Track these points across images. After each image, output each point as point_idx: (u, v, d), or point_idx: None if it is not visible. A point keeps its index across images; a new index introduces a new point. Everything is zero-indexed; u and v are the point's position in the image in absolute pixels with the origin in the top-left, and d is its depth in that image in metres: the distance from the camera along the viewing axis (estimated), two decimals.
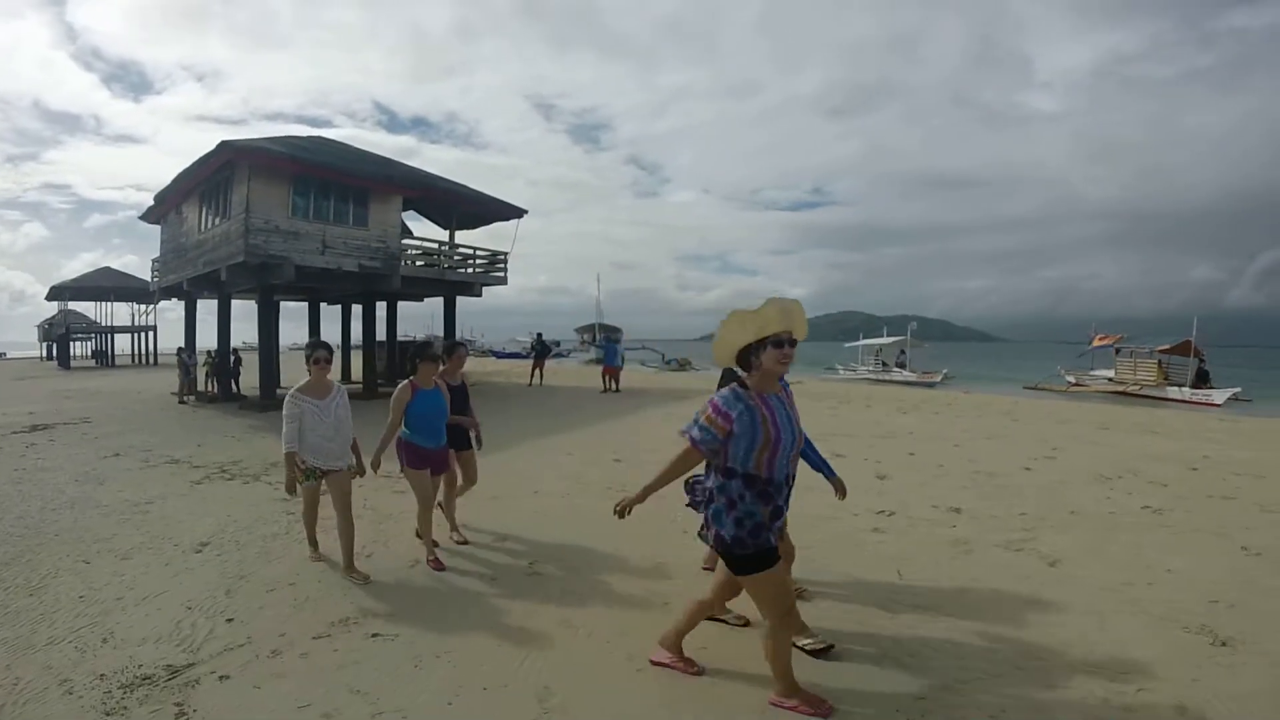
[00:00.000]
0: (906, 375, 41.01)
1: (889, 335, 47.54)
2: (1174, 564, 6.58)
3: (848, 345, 50.89)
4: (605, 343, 30.85)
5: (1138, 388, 34.58)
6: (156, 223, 26.11)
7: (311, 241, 19.29)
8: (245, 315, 24.74)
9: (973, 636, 4.95)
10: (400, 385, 6.35)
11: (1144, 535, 7.46)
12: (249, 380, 22.17)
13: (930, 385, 37.70)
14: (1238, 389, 30.76)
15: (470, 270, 25.62)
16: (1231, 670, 4.53)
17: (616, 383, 25.17)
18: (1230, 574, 6.28)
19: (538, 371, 27.59)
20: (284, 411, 6.00)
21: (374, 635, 4.80)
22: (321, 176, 19.70)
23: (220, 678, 4.28)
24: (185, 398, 21.91)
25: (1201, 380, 32.49)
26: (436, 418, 6.47)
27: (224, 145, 18.44)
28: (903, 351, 45.32)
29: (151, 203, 25.00)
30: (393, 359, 27.34)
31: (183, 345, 24.71)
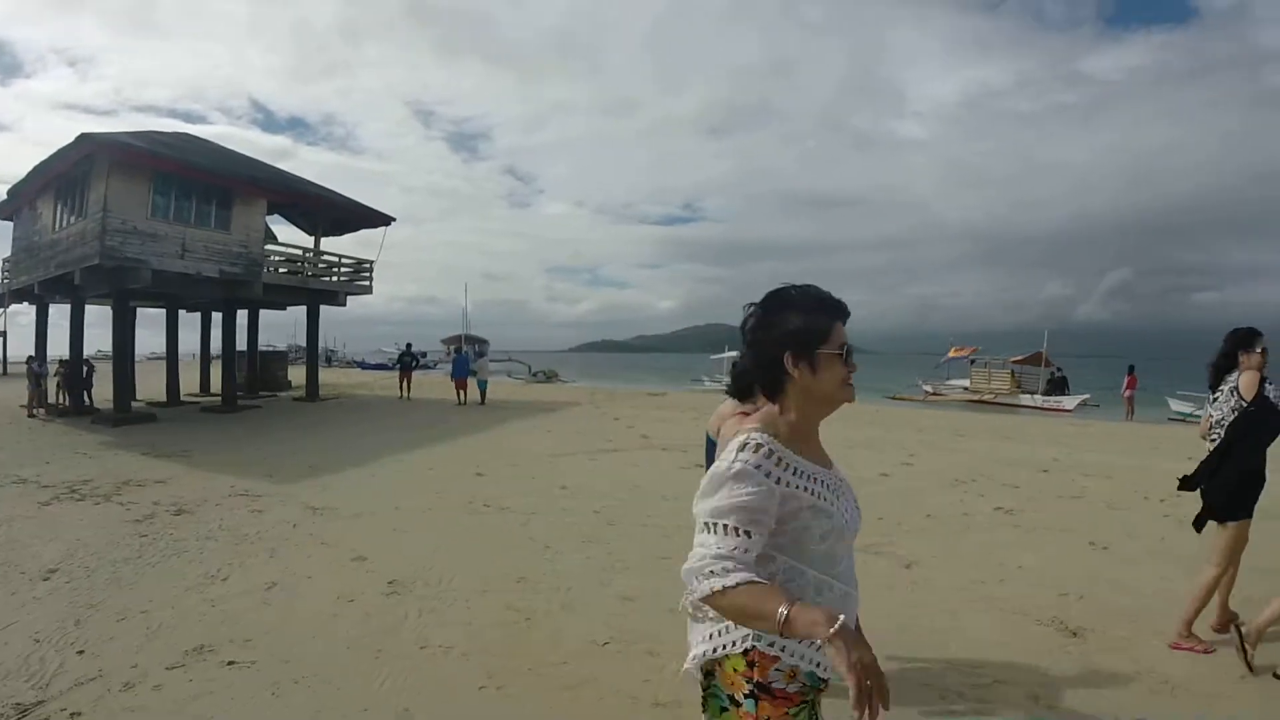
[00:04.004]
0: None
1: None
2: (1025, 561, 6.92)
3: (714, 357, 51.48)
4: (456, 354, 30.44)
5: (992, 396, 36.26)
6: (9, 219, 24.23)
7: (171, 244, 18.23)
8: (100, 321, 23.60)
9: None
10: None
11: (996, 535, 7.81)
12: (102, 392, 20.97)
13: None
14: (1087, 395, 32.46)
15: (335, 278, 24.90)
16: (1082, 659, 4.78)
17: (481, 395, 24.86)
18: (1078, 568, 6.65)
19: (405, 384, 26.81)
20: None
21: (229, 663, 4.58)
22: (184, 175, 18.66)
23: (71, 715, 4.01)
24: (35, 410, 20.35)
25: (1059, 388, 34.25)
26: None
27: (84, 138, 17.19)
28: None
29: (4, 196, 23.29)
30: (254, 369, 26.35)
31: (33, 354, 23.23)
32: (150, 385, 24.20)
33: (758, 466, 1.98)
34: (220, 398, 22.39)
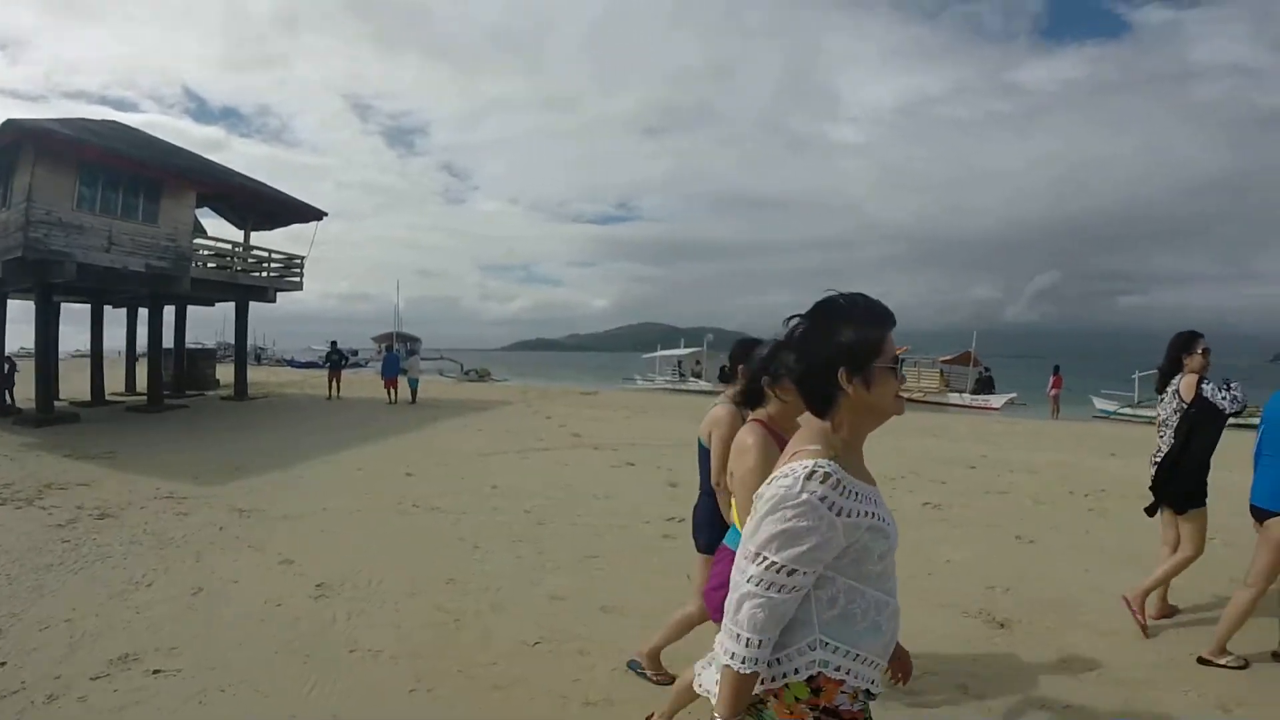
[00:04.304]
0: (703, 385, 41.97)
1: (686, 346, 48.44)
2: (953, 555, 7.08)
3: (645, 356, 51.54)
4: (386, 353, 30.11)
5: (922, 395, 36.90)
6: None
7: (97, 237, 17.54)
8: (23, 317, 22.61)
9: None
10: None
11: (925, 531, 7.96)
12: (24, 391, 20.19)
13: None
14: (1014, 394, 33.14)
15: (265, 274, 24.37)
16: (1010, 649, 4.93)
17: (413, 394, 24.60)
18: (1006, 562, 6.85)
19: (335, 383, 26.19)
20: None
21: (155, 672, 4.47)
22: (112, 165, 17.92)
23: None
24: None
25: (986, 387, 34.97)
26: None
27: (9, 124, 16.31)
28: (698, 362, 46.38)
29: None
30: (181, 368, 25.68)
31: None
32: (74, 384, 23.42)
33: (823, 499, 1.87)
34: (146, 397, 21.55)
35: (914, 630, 5.01)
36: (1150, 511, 5.57)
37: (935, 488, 10.51)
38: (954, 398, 35.23)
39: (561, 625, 5.24)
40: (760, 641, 1.87)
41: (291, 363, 64.17)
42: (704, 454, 4.20)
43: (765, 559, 1.86)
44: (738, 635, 1.88)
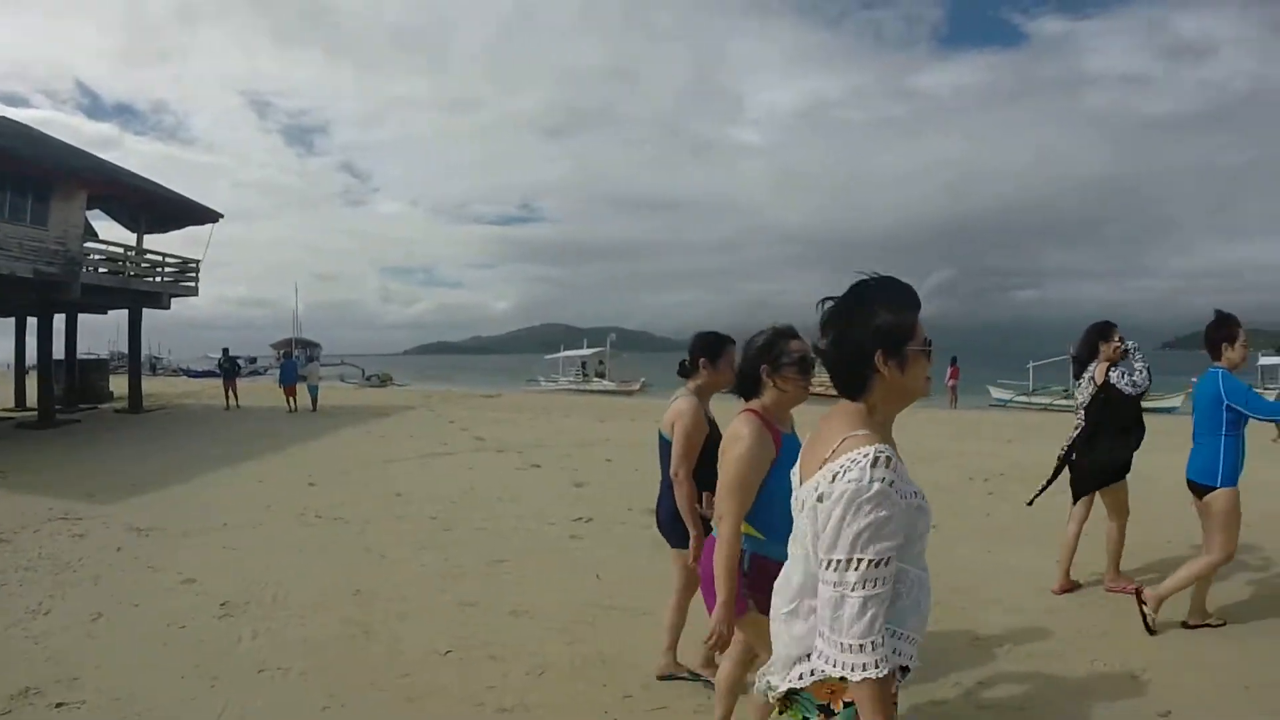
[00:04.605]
0: (606, 384, 42.08)
1: (589, 346, 48.51)
2: None
3: (548, 357, 51.43)
4: (284, 360, 29.45)
5: (824, 388, 37.61)
6: None
7: None
8: None
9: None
10: None
11: None
12: None
13: (629, 393, 38.97)
14: None
15: (159, 279, 23.42)
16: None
17: (313, 402, 24.03)
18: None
19: (231, 392, 25.09)
20: None
21: (58, 705, 4.27)
22: None
23: None
24: None
25: None
26: None
27: None
28: (601, 362, 46.50)
29: None
30: (73, 380, 24.48)
31: None
32: None
33: (891, 484, 1.83)
34: (36, 412, 20.41)
35: None
36: (1076, 493, 6.03)
37: None
38: None
39: (472, 632, 5.21)
40: (883, 640, 1.82)
41: (188, 372, 61.95)
42: (666, 447, 4.21)
43: (859, 561, 1.80)
44: (861, 646, 1.80)
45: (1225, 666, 4.62)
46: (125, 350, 28.30)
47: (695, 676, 4.50)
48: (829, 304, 2.07)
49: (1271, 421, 5.30)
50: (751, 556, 3.06)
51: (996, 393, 32.85)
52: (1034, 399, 28.94)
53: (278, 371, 29.34)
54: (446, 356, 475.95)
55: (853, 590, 1.79)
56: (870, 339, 1.95)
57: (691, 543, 4.06)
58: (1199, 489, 5.09)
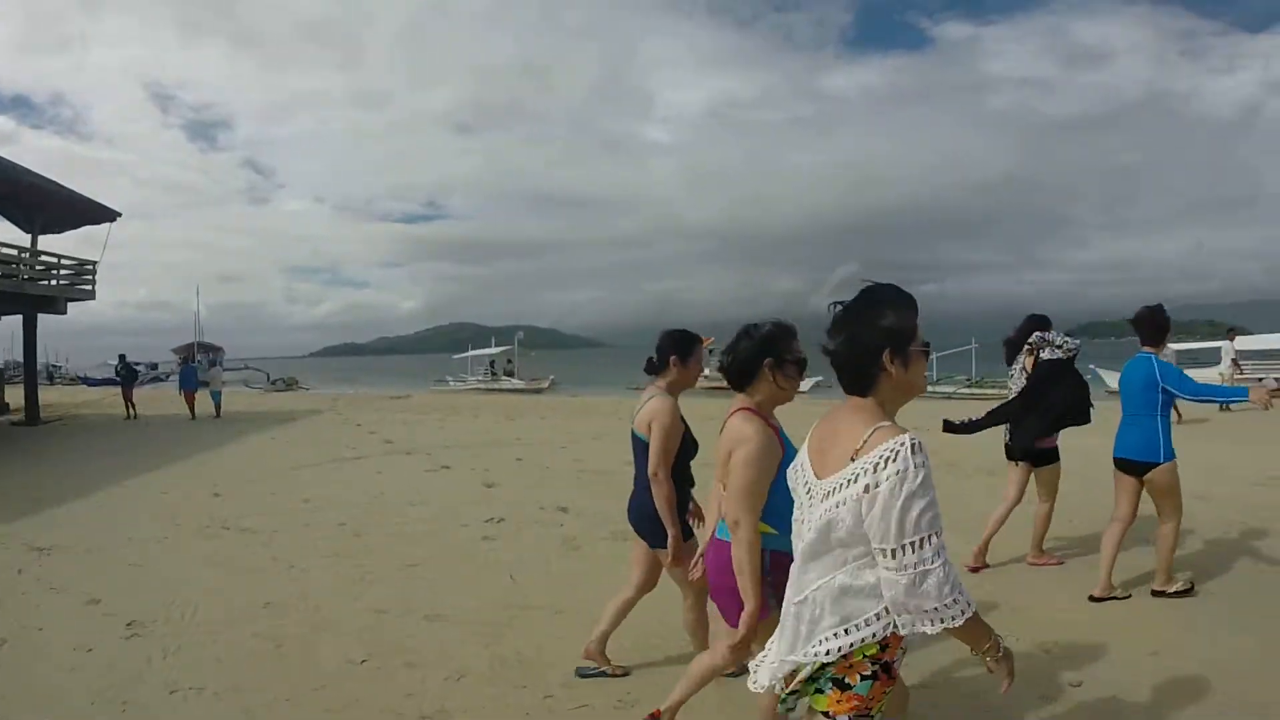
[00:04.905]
0: (515, 383, 41.93)
1: (497, 345, 48.27)
2: None
3: (456, 357, 51.01)
4: (184, 365, 28.61)
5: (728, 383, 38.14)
6: None
7: None
8: None
9: (591, 627, 4.96)
10: None
11: None
12: None
13: (538, 391, 38.94)
14: (820, 377, 34.74)
15: (54, 282, 22.41)
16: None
17: (216, 408, 23.31)
18: None
19: (128, 401, 24.16)
20: None
21: None
22: None
23: None
24: None
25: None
26: None
27: None
28: (510, 360, 46.33)
29: None
30: None
31: None
32: None
33: (926, 466, 1.99)
34: None
35: None
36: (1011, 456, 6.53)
37: None
38: None
39: (387, 639, 5.14)
40: (962, 589, 2.03)
41: (87, 380, 59.28)
42: (642, 448, 4.17)
43: (931, 537, 1.96)
44: (955, 600, 2.01)
45: (1132, 635, 4.92)
46: (20, 359, 27.01)
47: (622, 672, 4.55)
48: (838, 308, 2.24)
49: (1199, 401, 5.73)
50: (771, 554, 2.99)
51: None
52: (938, 388, 29.79)
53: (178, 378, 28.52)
54: (354, 358, 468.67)
55: (932, 563, 1.96)
56: (879, 339, 2.13)
57: (670, 543, 4.01)
58: (1139, 466, 5.49)
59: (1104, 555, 5.66)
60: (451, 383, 46.05)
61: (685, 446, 4.20)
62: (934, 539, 1.97)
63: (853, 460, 2.06)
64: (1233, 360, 20.47)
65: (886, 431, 2.05)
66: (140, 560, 7.27)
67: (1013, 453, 6.44)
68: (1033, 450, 6.31)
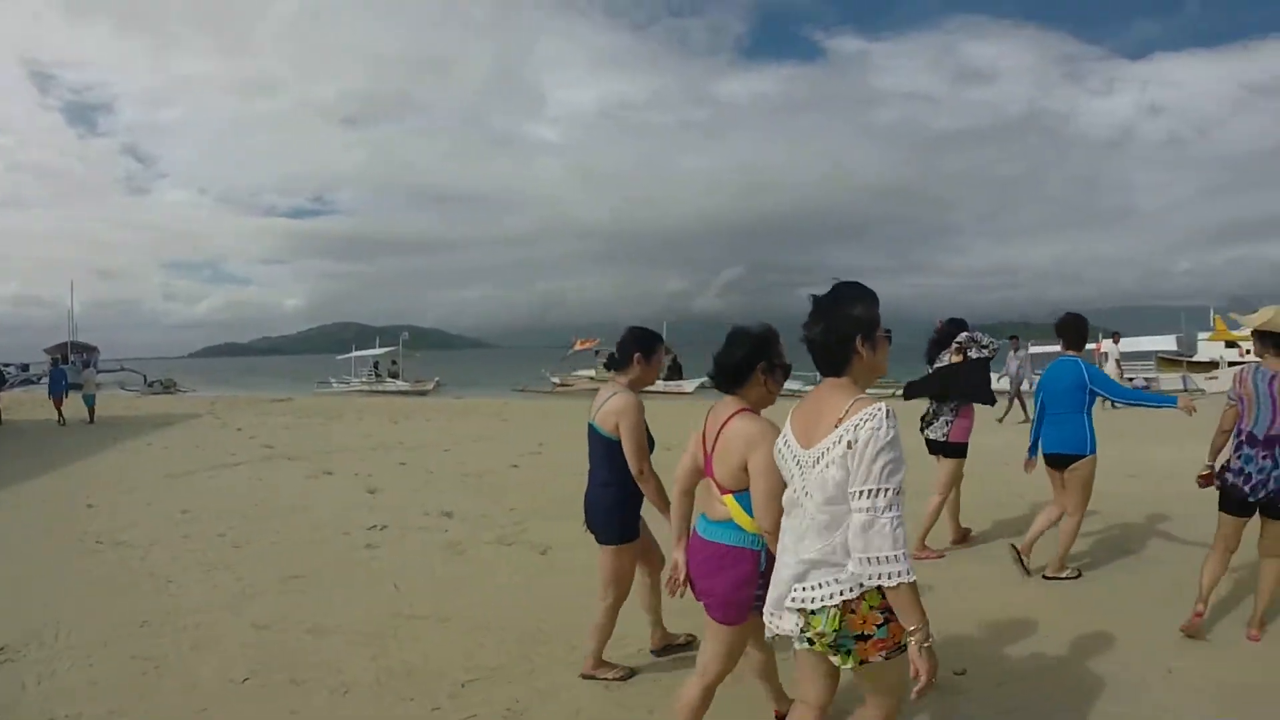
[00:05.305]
0: (400, 385, 41.26)
1: (382, 345, 47.39)
2: (654, 534, 7.41)
3: (340, 358, 49.83)
4: (53, 368, 27.19)
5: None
6: None
7: None
8: None
9: (477, 634, 5.08)
10: None
11: None
12: None
13: (423, 393, 38.43)
14: (704, 379, 35.18)
15: None
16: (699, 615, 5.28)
17: (90, 413, 22.16)
18: None
19: None
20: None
21: None
22: None
23: None
24: None
25: (676, 373, 36.77)
26: None
27: None
28: (394, 361, 45.57)
29: None
30: None
31: None
32: None
33: (897, 429, 2.36)
34: None
35: (623, 611, 5.15)
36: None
37: None
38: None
39: (269, 655, 4.96)
40: (907, 555, 2.33)
41: None
42: (603, 444, 4.20)
43: (885, 490, 2.31)
44: (894, 557, 2.30)
45: (1010, 622, 5.24)
46: None
47: (690, 639, 4.75)
48: (819, 300, 2.61)
49: (1129, 404, 6.27)
50: (767, 555, 3.01)
51: (786, 383, 34.47)
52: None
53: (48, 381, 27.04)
54: (235, 359, 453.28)
55: (882, 514, 2.30)
56: (850, 327, 2.52)
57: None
58: (1065, 459, 5.95)
59: (1030, 531, 6.26)
60: (335, 384, 44.99)
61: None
62: (889, 493, 2.31)
63: (837, 426, 2.42)
64: (1116, 361, 21.62)
65: (865, 401, 2.43)
66: (8, 579, 6.83)
67: (933, 447, 6.97)
68: (941, 442, 6.84)
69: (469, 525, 8.30)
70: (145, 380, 51.54)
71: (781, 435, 2.76)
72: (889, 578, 2.30)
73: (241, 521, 8.75)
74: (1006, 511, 8.15)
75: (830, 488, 2.41)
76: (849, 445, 2.36)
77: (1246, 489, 4.66)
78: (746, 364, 3.23)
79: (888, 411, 2.36)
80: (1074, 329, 6.14)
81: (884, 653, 2.47)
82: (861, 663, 2.49)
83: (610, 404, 4.20)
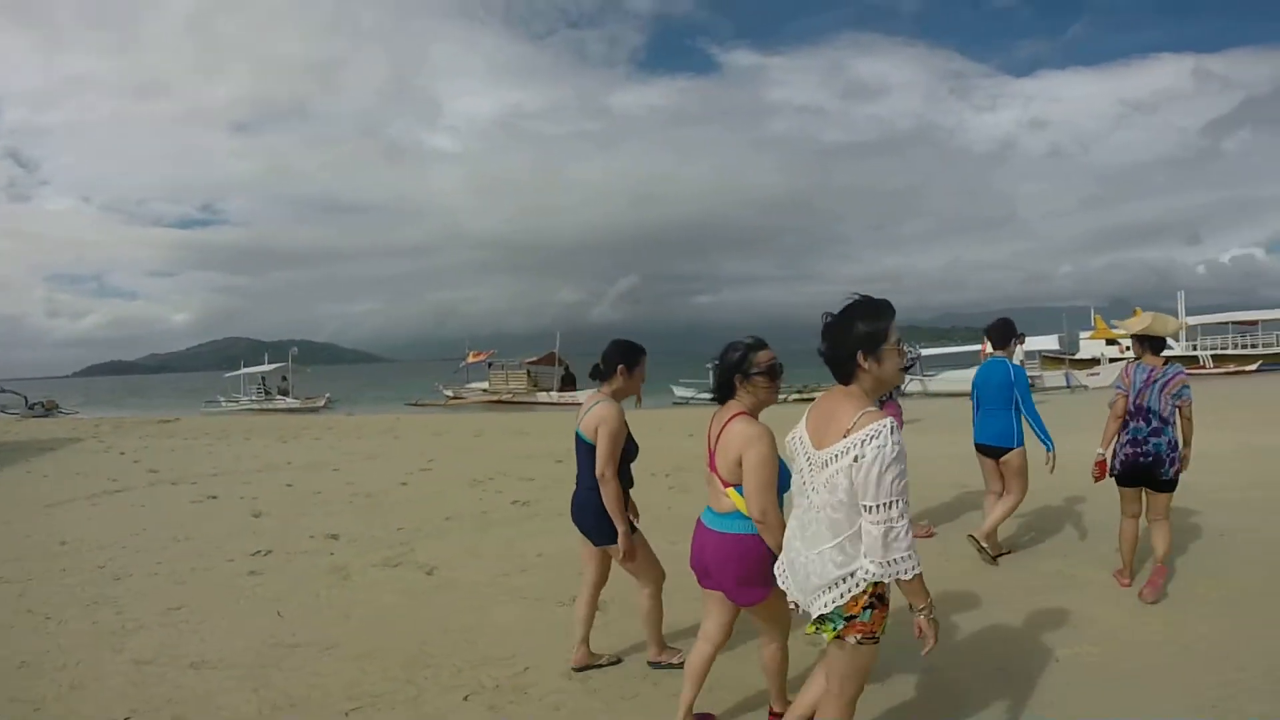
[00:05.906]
0: (290, 402, 40.24)
1: (271, 361, 46.12)
2: (544, 548, 7.46)
3: (228, 375, 48.22)
4: None
5: (511, 396, 38.11)
6: None
7: None
8: None
9: (361, 660, 5.03)
10: None
11: (516, 528, 8.34)
12: None
13: (314, 410, 37.59)
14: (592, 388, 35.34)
15: None
16: (607, 627, 5.31)
17: None
18: None
19: None
20: None
21: None
22: None
23: None
24: None
25: (571, 384, 36.79)
26: None
27: None
28: (284, 378, 44.41)
29: None
30: None
31: None
32: None
33: (901, 445, 2.58)
34: None
35: (513, 626, 4.98)
36: None
37: (524, 485, 11.08)
38: (542, 396, 37.00)
39: (152, 692, 4.77)
40: (915, 551, 2.62)
41: None
42: (588, 450, 4.34)
43: (897, 501, 2.54)
44: (909, 555, 2.58)
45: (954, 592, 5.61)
46: None
47: (614, 661, 4.83)
48: (827, 319, 2.80)
49: (1026, 419, 6.63)
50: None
51: (679, 390, 34.95)
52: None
53: None
54: (122, 377, 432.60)
55: (897, 522, 2.55)
56: (852, 344, 2.70)
57: (620, 539, 4.33)
58: (996, 450, 6.45)
59: (991, 521, 6.55)
60: (223, 403, 43.55)
61: (628, 449, 4.49)
62: (901, 503, 2.55)
63: (845, 436, 2.63)
64: (1021, 362, 22.44)
65: (872, 416, 2.61)
66: None
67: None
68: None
69: (355, 547, 8.15)
70: (26, 402, 48.79)
71: (796, 429, 3.00)
72: (906, 572, 2.60)
73: (122, 552, 8.38)
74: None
75: (840, 493, 2.66)
76: (855, 459, 2.59)
77: (1139, 454, 5.39)
78: (724, 379, 3.60)
79: (892, 427, 2.57)
80: (1000, 331, 6.66)
81: (859, 636, 2.74)
82: (839, 638, 2.77)
83: (594, 412, 4.37)
